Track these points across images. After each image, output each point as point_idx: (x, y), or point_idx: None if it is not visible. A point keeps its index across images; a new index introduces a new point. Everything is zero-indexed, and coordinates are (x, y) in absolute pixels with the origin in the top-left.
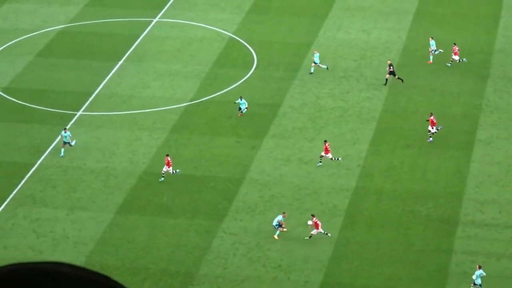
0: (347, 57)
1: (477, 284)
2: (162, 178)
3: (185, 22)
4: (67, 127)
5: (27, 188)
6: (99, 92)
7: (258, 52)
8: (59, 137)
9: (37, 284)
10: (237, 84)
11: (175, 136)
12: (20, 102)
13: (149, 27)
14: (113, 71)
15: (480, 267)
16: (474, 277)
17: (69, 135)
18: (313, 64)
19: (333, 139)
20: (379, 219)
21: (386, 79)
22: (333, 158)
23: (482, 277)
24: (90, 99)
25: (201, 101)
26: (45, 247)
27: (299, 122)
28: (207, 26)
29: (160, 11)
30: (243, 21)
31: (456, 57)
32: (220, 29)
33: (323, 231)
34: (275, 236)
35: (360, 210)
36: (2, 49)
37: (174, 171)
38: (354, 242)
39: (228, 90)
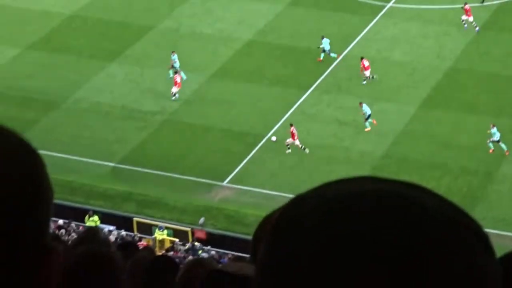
0: None
1: (495, 141)
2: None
3: None
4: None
5: (334, 76)
6: None
7: None
8: (366, 31)
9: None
10: None
11: (485, 33)
12: None
13: None
14: None
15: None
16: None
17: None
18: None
19: None
20: None
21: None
22: None
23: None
24: None
25: None
26: (347, 135)
27: None
28: None
29: None
30: None
31: None
32: None
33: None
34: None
35: None
36: None
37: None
38: None
39: None
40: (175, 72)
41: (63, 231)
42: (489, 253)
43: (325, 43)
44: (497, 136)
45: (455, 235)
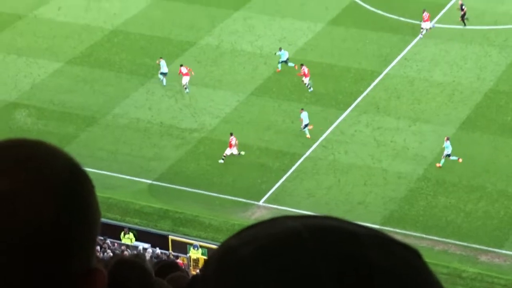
0: None
1: (448, 155)
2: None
3: None
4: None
5: (372, 96)
6: (452, 4)
7: None
8: (407, 50)
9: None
10: None
11: None
12: (373, 9)
13: None
14: None
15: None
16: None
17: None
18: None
19: None
20: None
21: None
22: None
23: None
24: (443, 11)
25: None
26: (384, 156)
27: None
28: None
29: None
30: None
31: None
32: None
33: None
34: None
35: None
36: None
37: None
38: None
39: None
40: (163, 74)
41: (98, 248)
42: (422, 261)
43: (283, 55)
44: (448, 150)
45: (392, 252)
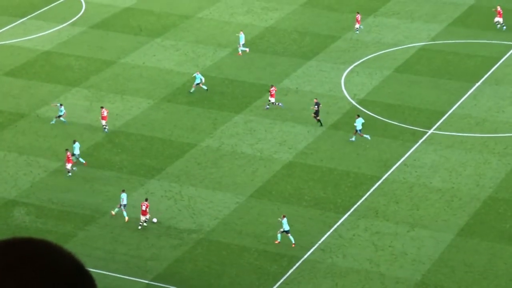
0: None
1: (285, 230)
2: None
3: None
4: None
5: (371, 201)
6: (453, 112)
7: None
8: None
9: None
10: None
11: None
12: (374, 115)
13: (511, 51)
14: (469, 92)
15: (284, 216)
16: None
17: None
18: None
19: None
20: None
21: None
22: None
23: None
24: (443, 118)
25: None
26: (382, 261)
27: None
28: None
29: None
30: None
31: None
32: None
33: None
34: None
35: None
36: (363, 62)
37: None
38: None
39: None
40: (59, 116)
41: None
42: None
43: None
44: (286, 227)
45: None
